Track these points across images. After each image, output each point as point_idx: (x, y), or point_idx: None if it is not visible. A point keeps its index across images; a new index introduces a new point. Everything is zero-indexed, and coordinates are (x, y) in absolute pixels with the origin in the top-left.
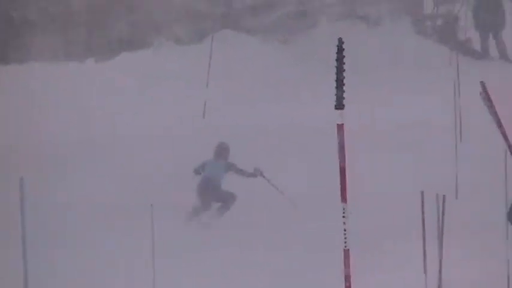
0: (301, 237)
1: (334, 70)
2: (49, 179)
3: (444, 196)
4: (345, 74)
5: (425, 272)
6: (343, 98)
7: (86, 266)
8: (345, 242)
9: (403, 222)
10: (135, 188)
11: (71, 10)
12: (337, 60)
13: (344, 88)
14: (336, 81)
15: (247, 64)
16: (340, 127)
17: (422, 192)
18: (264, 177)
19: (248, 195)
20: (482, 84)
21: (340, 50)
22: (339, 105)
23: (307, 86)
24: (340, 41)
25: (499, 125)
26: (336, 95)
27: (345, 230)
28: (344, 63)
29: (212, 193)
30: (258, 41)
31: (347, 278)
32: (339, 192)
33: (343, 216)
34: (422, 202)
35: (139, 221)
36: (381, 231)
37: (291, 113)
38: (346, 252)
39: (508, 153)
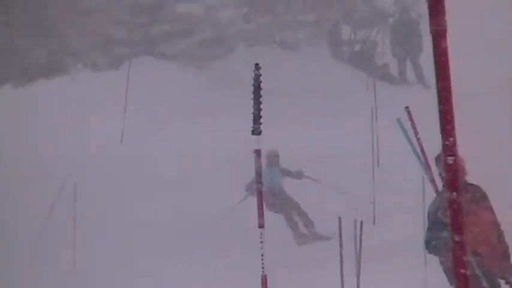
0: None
1: (251, 95)
2: None
3: (362, 222)
4: (262, 99)
5: None
6: (260, 124)
7: None
8: (263, 268)
9: (322, 247)
10: None
11: None
12: (254, 85)
13: (261, 113)
14: (253, 106)
15: (165, 90)
16: (257, 152)
17: (339, 218)
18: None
19: None
20: (407, 109)
21: (257, 75)
22: (256, 131)
23: (224, 111)
24: (257, 66)
25: (422, 151)
26: (253, 120)
27: (262, 255)
28: (261, 89)
29: (283, 202)
30: (176, 66)
31: None
32: (256, 217)
33: (261, 242)
34: (340, 227)
35: None
36: (299, 255)
37: (208, 138)
38: (264, 279)
39: (426, 177)
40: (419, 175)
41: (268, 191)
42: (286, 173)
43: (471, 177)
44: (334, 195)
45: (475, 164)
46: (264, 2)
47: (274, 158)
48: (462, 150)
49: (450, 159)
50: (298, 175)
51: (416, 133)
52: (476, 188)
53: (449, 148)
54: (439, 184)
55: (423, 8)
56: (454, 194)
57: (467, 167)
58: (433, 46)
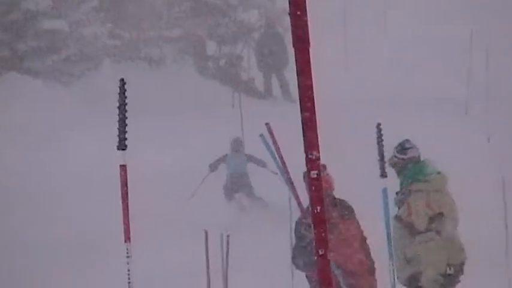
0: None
1: (117, 111)
2: None
3: (228, 236)
4: (127, 114)
5: None
6: (126, 139)
7: None
8: (129, 283)
9: (190, 260)
10: None
11: None
12: (119, 101)
13: (127, 129)
14: (118, 122)
15: (30, 107)
16: (122, 168)
17: (206, 232)
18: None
19: None
20: (268, 126)
21: (122, 90)
22: (121, 146)
23: (90, 127)
24: (122, 82)
25: (284, 168)
26: (118, 135)
27: (128, 270)
28: (126, 104)
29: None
30: (41, 83)
31: None
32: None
33: (127, 256)
34: (206, 241)
35: None
36: (167, 269)
37: (75, 154)
38: None
39: (291, 191)
40: (283, 189)
41: (231, 173)
42: (251, 158)
43: (338, 192)
44: None
45: (342, 179)
46: (129, 18)
47: (238, 144)
48: (330, 165)
49: (313, 173)
50: (263, 163)
51: (277, 149)
52: (343, 203)
53: (312, 162)
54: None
55: (288, 22)
56: (318, 208)
57: (335, 182)
58: (296, 59)
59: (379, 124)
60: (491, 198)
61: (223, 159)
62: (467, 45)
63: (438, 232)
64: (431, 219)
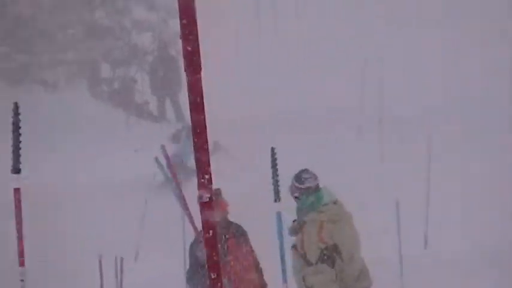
0: None
1: (11, 134)
2: None
3: (122, 258)
4: (21, 138)
5: None
6: (20, 163)
7: None
8: None
9: (84, 286)
10: None
11: None
12: (13, 124)
13: (21, 152)
14: (13, 145)
15: None
16: (16, 191)
17: (100, 255)
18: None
19: None
20: (163, 148)
21: (16, 114)
22: (15, 170)
23: None
24: (16, 105)
25: (178, 189)
26: (12, 159)
27: None
28: (20, 127)
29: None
30: None
31: None
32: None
33: (21, 280)
34: (100, 266)
35: None
36: None
37: None
38: None
39: (185, 212)
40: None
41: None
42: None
43: (234, 216)
44: None
45: (239, 202)
46: (23, 41)
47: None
48: (225, 189)
49: (206, 197)
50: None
51: (172, 171)
52: (237, 227)
53: (204, 186)
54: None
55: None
56: (210, 232)
57: (229, 206)
58: (188, 84)
59: (273, 148)
60: (385, 220)
61: None
62: (361, 65)
63: (332, 264)
64: (324, 251)
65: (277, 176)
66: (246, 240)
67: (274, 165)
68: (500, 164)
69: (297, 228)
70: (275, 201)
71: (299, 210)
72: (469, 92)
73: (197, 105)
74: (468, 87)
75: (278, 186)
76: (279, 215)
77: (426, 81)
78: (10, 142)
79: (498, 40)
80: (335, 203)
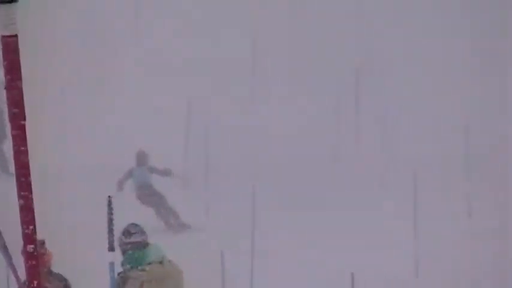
0: None
1: None
2: None
3: None
4: None
5: None
6: None
7: None
8: None
9: None
10: None
11: None
12: None
13: None
14: None
15: None
16: None
17: None
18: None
19: None
20: None
21: None
22: None
23: None
24: None
25: (1, 240)
26: None
27: None
28: None
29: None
30: None
31: None
32: None
33: None
34: None
35: None
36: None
37: None
38: None
39: (8, 264)
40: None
41: (138, 186)
42: (154, 170)
43: (65, 266)
44: None
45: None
46: None
47: (142, 157)
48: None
49: (30, 248)
50: (166, 172)
51: None
52: (60, 276)
53: (28, 237)
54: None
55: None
56: (35, 282)
57: (52, 256)
58: (12, 135)
59: (109, 197)
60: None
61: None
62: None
63: None
64: None
65: (113, 225)
66: None
67: (110, 214)
68: None
69: (120, 283)
70: (109, 250)
71: (124, 265)
72: None
73: (22, 160)
74: None
75: (113, 235)
76: (112, 265)
77: None
78: None
79: None
80: (161, 262)
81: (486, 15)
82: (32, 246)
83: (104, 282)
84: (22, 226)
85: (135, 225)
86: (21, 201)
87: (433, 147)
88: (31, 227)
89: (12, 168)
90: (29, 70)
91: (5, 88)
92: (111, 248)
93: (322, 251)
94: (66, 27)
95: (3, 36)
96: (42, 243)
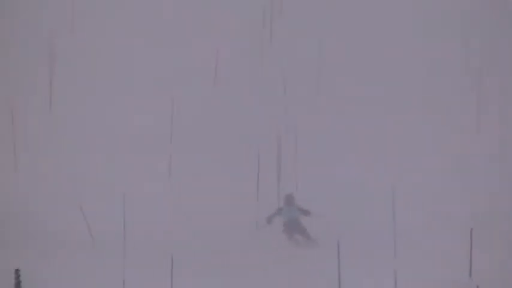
0: None
1: None
2: None
3: None
4: None
5: None
6: None
7: None
8: None
9: None
10: None
11: None
12: None
13: None
14: None
15: None
16: None
17: None
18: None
19: None
20: None
21: None
22: None
23: None
24: None
25: None
26: None
27: None
28: None
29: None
30: None
31: None
32: None
33: None
34: None
35: None
36: None
37: None
38: None
39: None
40: None
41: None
42: (301, 210)
43: None
44: None
45: None
46: None
47: (291, 199)
48: None
49: None
50: (307, 213)
51: None
52: None
53: None
54: None
55: None
56: None
57: None
58: None
59: (17, 270)
60: None
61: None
62: None
63: None
64: None
65: None
66: None
67: (17, 286)
68: None
69: None
70: None
71: None
72: None
73: None
74: None
75: None
76: None
77: None
78: None
79: None
80: None
81: None
82: None
83: None
84: None
85: None
86: None
87: None
88: None
89: None
90: None
91: None
92: None
93: None
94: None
95: None
96: None
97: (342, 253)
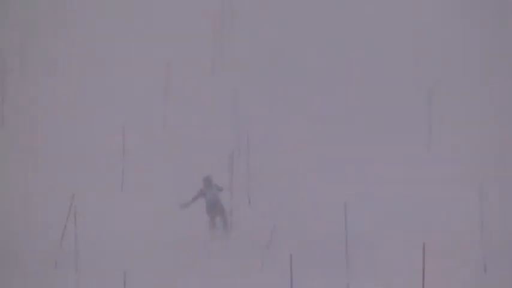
0: None
1: None
2: None
3: None
4: None
5: None
6: None
7: None
8: None
9: None
10: None
11: None
12: None
13: None
14: None
15: None
16: None
17: None
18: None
19: None
20: None
21: None
22: None
23: None
24: None
25: None
26: None
27: None
28: None
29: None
30: None
31: None
32: None
33: None
34: None
35: None
36: None
37: None
38: None
39: None
40: None
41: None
42: (218, 188)
43: None
44: None
45: None
46: None
47: (208, 179)
48: None
49: None
50: (221, 189)
51: None
52: None
53: None
54: None
55: None
56: None
57: None
58: None
59: None
60: None
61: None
62: None
63: None
64: None
65: None
66: None
67: None
68: None
69: None
70: None
71: None
72: None
73: None
74: None
75: None
76: None
77: None
78: None
79: None
80: None
81: None
82: None
83: None
84: None
85: None
86: None
87: None
88: None
89: None
90: None
91: None
92: None
93: None
94: None
95: None
96: None
97: (294, 266)
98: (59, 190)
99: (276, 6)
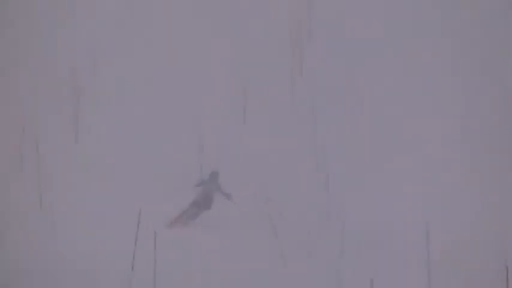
0: None
1: None
2: None
3: None
4: None
5: None
6: None
7: None
8: None
9: None
10: None
11: None
12: None
13: None
14: None
15: None
16: None
17: None
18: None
19: None
20: None
21: None
22: None
23: None
24: None
25: None
26: None
27: None
28: None
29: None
30: None
31: None
32: None
33: None
34: None
35: None
36: None
37: None
38: None
39: None
40: None
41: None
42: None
43: None
44: None
45: None
46: None
47: (215, 175)
48: None
49: None
50: (228, 196)
51: None
52: None
53: None
54: None
55: None
56: None
57: None
58: None
59: None
60: None
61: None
62: None
63: None
64: None
65: None
66: None
67: None
68: None
69: None
70: None
71: None
72: None
73: None
74: None
75: None
76: None
77: None
78: None
79: None
80: None
81: None
82: None
83: None
84: None
85: None
86: None
87: None
88: None
89: None
90: None
91: None
92: None
93: None
94: None
95: None
96: None
97: None
98: (127, 206)
99: None
